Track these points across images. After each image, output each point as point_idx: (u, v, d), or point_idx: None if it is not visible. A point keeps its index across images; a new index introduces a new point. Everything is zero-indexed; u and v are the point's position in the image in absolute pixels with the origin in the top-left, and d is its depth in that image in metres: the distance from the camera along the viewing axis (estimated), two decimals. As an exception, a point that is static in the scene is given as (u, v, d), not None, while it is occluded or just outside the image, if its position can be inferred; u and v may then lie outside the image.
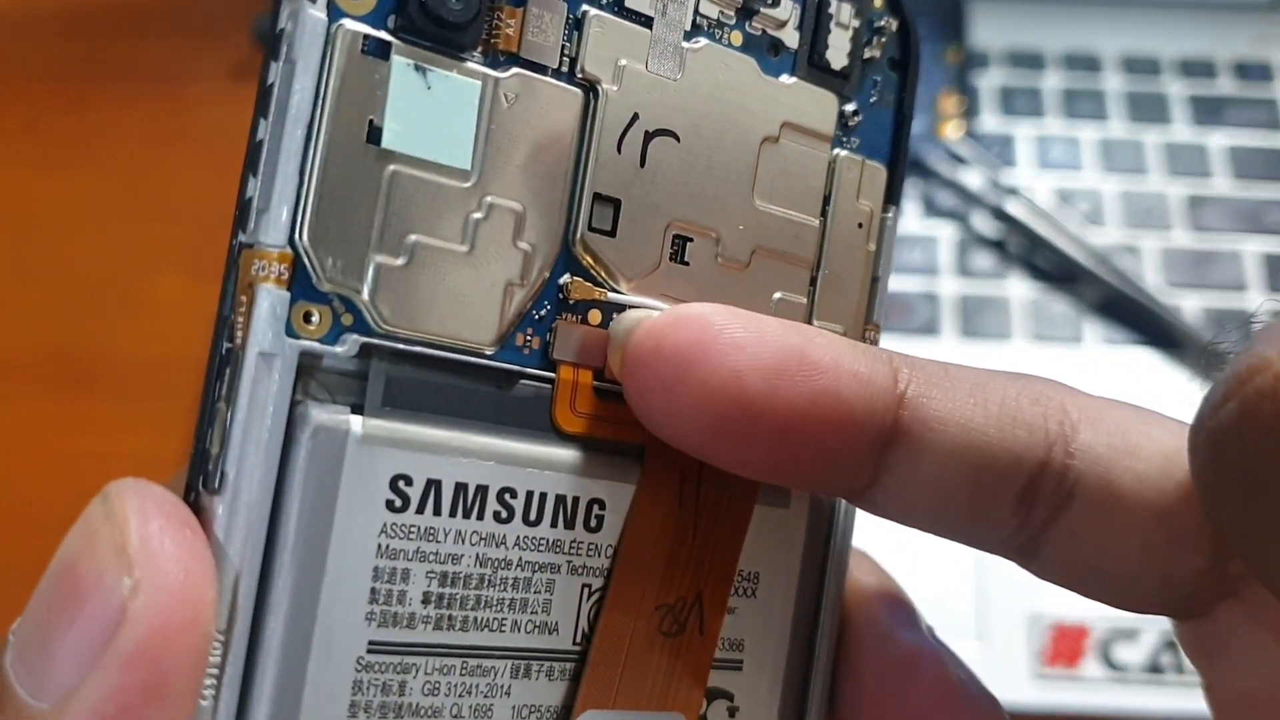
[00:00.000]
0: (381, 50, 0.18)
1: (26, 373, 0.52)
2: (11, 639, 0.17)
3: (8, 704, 0.17)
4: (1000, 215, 0.64)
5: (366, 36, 0.18)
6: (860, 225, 0.23)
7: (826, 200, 0.23)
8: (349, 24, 0.18)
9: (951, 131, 0.68)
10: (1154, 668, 0.49)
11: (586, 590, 0.20)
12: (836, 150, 0.23)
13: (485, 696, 0.19)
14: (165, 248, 0.52)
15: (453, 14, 0.19)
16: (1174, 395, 0.27)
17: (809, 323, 0.22)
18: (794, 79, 0.22)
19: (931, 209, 0.66)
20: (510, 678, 0.19)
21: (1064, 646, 0.50)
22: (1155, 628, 0.49)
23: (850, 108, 0.23)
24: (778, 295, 0.22)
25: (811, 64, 0.23)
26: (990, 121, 0.69)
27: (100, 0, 0.64)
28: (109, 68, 0.61)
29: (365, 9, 0.18)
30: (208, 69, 0.59)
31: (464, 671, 0.19)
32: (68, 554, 0.17)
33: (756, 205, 0.22)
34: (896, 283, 0.63)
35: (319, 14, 0.18)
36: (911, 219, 0.66)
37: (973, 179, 0.65)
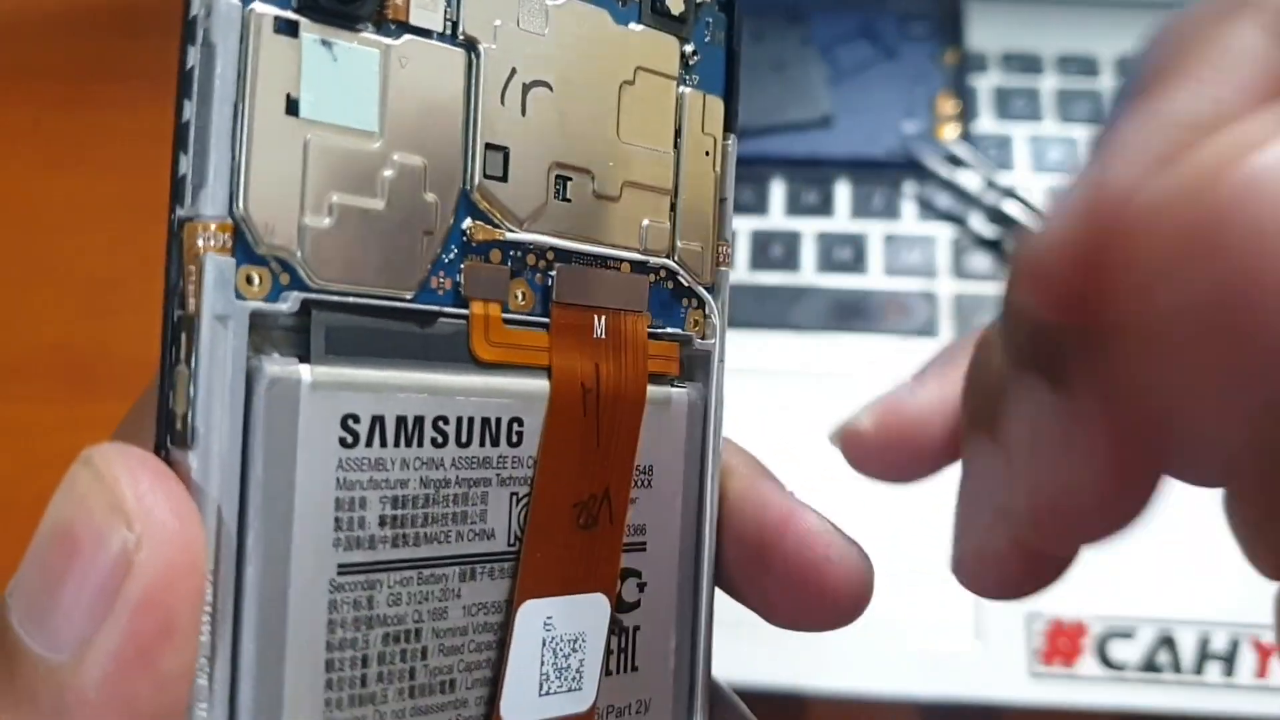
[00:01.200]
0: (291, 29, 0.20)
1: (27, 372, 0.51)
2: (11, 602, 0.19)
3: (22, 660, 0.18)
4: (998, 217, 0.65)
5: (277, 18, 0.20)
6: (707, 153, 0.26)
7: (678, 134, 0.26)
8: (259, 7, 0.20)
9: (948, 133, 0.68)
10: (1150, 666, 0.49)
11: (514, 498, 0.23)
12: (681, 88, 0.26)
13: (439, 600, 0.22)
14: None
15: None
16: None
17: (674, 244, 0.25)
18: (641, 26, 0.25)
19: (929, 210, 0.66)
20: (459, 581, 0.22)
21: (1061, 645, 0.50)
22: (1152, 626, 0.50)
23: (689, 49, 0.26)
24: (645, 222, 0.25)
25: (655, 11, 0.25)
26: (987, 123, 0.69)
27: (102, 1, 0.62)
28: (111, 68, 0.59)
29: None
30: None
31: (420, 581, 0.21)
32: (61, 517, 0.18)
33: (621, 143, 0.24)
34: (894, 283, 0.64)
35: (233, 1, 0.19)
36: (909, 220, 0.66)
37: (970, 180, 0.66)
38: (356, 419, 0.21)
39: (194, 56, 0.20)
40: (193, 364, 0.19)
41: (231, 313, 0.19)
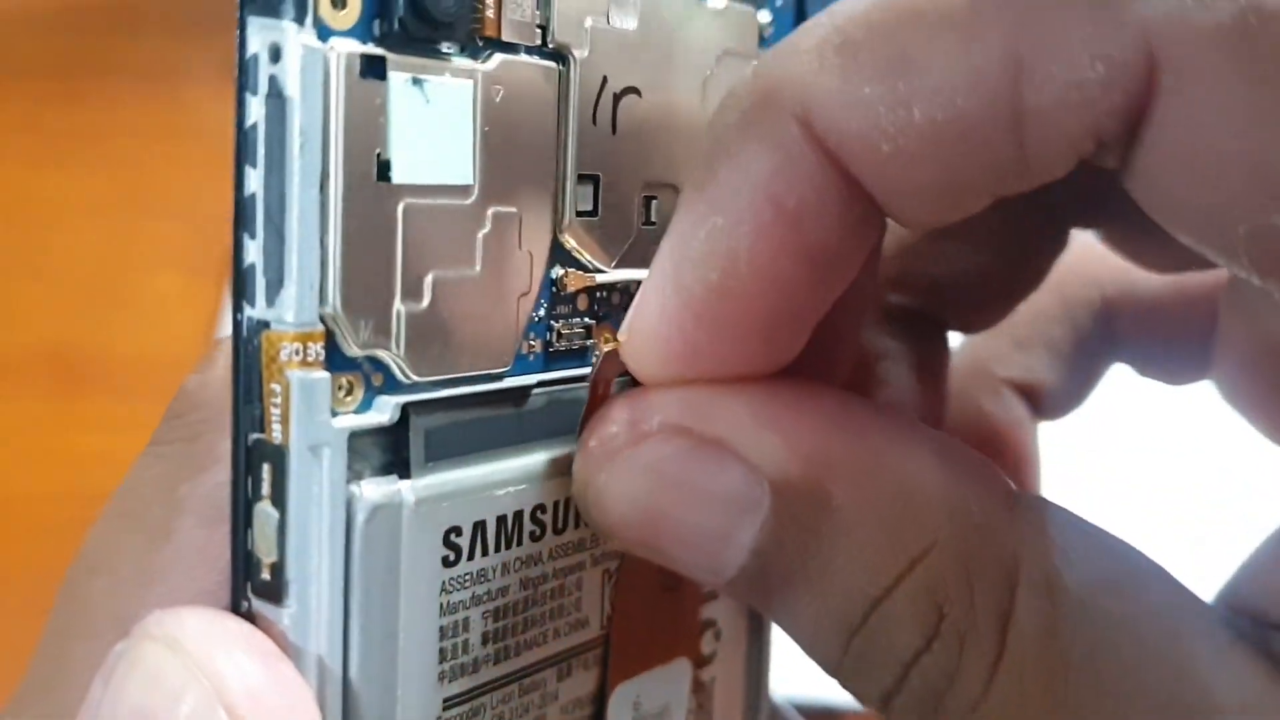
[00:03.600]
0: (378, 69, 0.16)
1: (21, 371, 0.49)
2: None
3: None
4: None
5: (363, 56, 0.15)
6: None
7: None
8: (339, 44, 0.15)
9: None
10: None
11: (606, 576, 0.20)
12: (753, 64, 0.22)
13: (539, 708, 0.19)
14: (161, 246, 0.49)
15: (447, 13, 0.16)
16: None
17: None
18: (723, 1, 0.21)
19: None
20: (556, 682, 0.20)
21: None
22: None
23: (765, 18, 0.22)
24: None
25: None
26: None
27: (94, -3, 0.58)
28: (104, 65, 0.56)
29: (350, 20, 0.15)
30: (204, 67, 0.55)
31: (521, 692, 0.19)
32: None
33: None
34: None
35: (311, 40, 0.15)
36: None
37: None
38: (459, 531, 0.17)
39: (256, 110, 0.15)
40: (284, 505, 0.15)
41: (328, 440, 0.16)
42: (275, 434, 0.15)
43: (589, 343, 0.19)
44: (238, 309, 0.16)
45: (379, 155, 0.16)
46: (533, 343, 0.19)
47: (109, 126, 0.55)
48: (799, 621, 0.18)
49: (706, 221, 0.17)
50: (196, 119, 0.55)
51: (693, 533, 0.18)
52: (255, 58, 0.15)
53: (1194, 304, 0.26)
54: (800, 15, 0.23)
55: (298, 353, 0.15)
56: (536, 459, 0.19)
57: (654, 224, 0.20)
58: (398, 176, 0.16)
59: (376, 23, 0.16)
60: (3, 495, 0.45)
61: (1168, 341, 0.27)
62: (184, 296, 0.49)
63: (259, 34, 0.15)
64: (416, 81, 0.16)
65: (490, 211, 0.17)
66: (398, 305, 0.16)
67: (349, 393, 0.16)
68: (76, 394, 0.48)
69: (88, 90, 0.56)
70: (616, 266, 0.20)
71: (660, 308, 0.17)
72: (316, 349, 0.15)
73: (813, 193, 0.16)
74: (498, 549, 0.18)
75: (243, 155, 0.15)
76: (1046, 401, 0.27)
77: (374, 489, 0.16)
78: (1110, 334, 0.27)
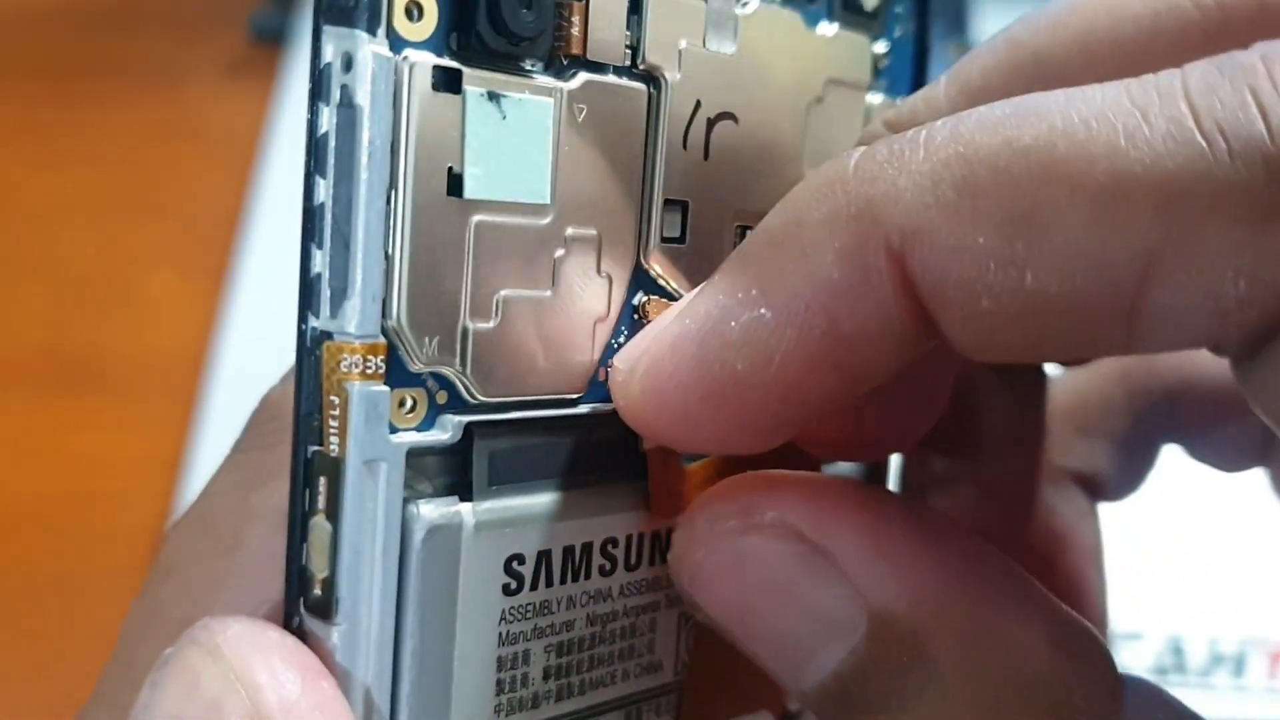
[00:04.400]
0: (452, 83, 0.15)
1: (18, 371, 0.49)
2: None
3: None
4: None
5: (436, 68, 0.15)
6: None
7: None
8: (414, 55, 0.15)
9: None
10: (1159, 669, 0.49)
11: (684, 620, 0.19)
12: (870, 96, 0.21)
13: None
14: (159, 245, 0.49)
15: (526, 27, 0.16)
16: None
17: None
18: (834, 27, 0.20)
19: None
20: None
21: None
22: (1159, 631, 0.49)
23: (880, 49, 0.21)
24: None
25: (846, 7, 0.21)
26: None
27: (91, -4, 0.60)
28: (103, 64, 0.57)
29: (426, 33, 0.15)
30: (203, 66, 0.56)
31: None
32: None
33: (808, 173, 0.20)
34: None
35: (383, 50, 0.15)
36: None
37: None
38: (521, 559, 0.17)
39: (328, 120, 0.15)
40: (338, 519, 0.15)
41: (385, 455, 0.15)
42: (333, 447, 0.15)
43: None
44: (302, 319, 0.15)
45: (450, 170, 0.16)
46: (611, 370, 0.18)
47: (107, 126, 0.54)
48: None
49: (752, 309, 0.16)
50: (195, 119, 0.54)
51: (779, 637, 0.17)
52: (329, 67, 0.15)
53: None
54: (921, 49, 0.22)
55: (358, 365, 0.15)
56: (609, 490, 0.18)
57: (748, 255, 0.19)
58: (470, 192, 0.16)
59: (454, 36, 0.16)
60: (1, 496, 0.45)
61: (1224, 430, 0.26)
62: (182, 296, 0.48)
63: (333, 43, 0.15)
64: (493, 97, 0.16)
65: (567, 232, 0.17)
66: (465, 322, 0.16)
67: (411, 409, 0.16)
68: (73, 394, 0.48)
69: (86, 90, 0.56)
70: None
71: (672, 368, 0.16)
72: (378, 362, 0.15)
73: (876, 324, 0.15)
74: (563, 581, 0.18)
75: (313, 165, 0.15)
76: (1105, 488, 0.26)
77: (432, 509, 0.16)
78: (1170, 422, 0.26)
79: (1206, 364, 0.25)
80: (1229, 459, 0.26)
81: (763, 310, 0.15)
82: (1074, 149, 0.14)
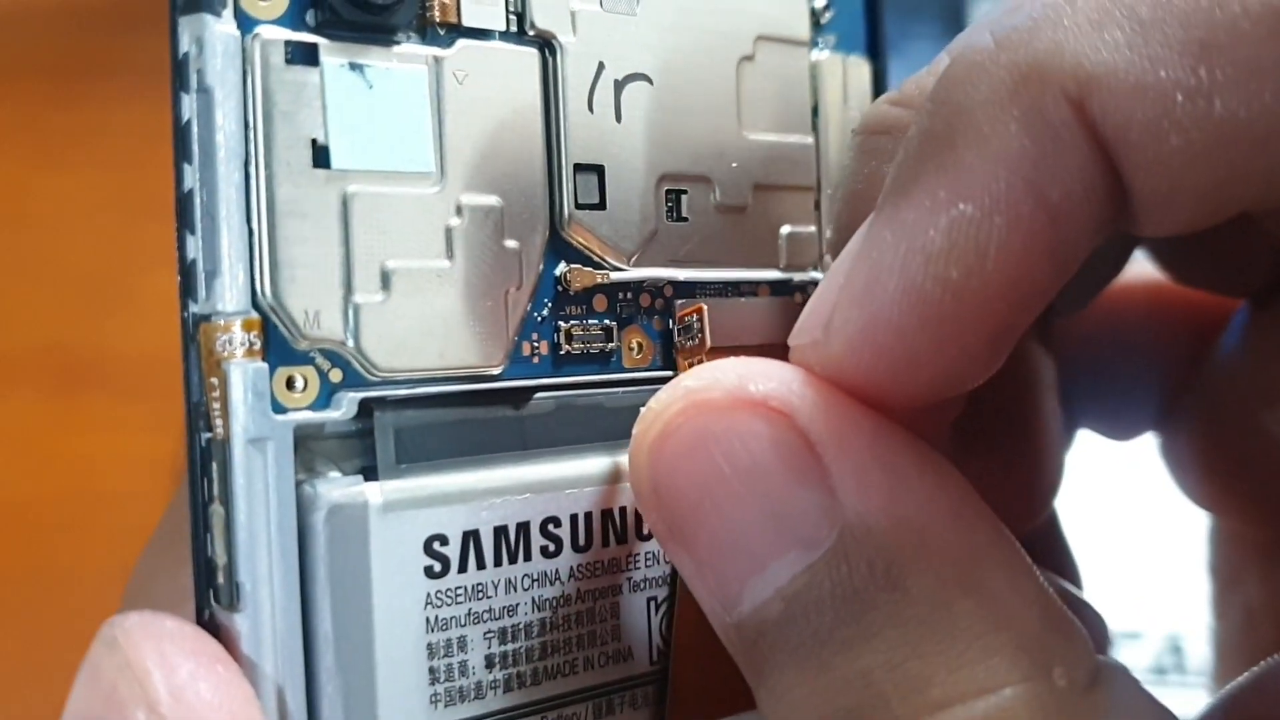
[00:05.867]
0: (308, 55, 0.15)
1: (21, 371, 0.50)
2: None
3: None
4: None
5: (288, 43, 0.15)
6: (854, 131, 0.21)
7: (815, 112, 0.20)
8: (265, 31, 0.15)
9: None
10: (1158, 669, 0.48)
11: (653, 604, 0.18)
12: (815, 53, 0.20)
13: None
14: (160, 245, 0.51)
15: None
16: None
17: (823, 251, 0.20)
18: None
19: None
20: (594, 718, 0.18)
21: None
22: (1159, 630, 0.48)
23: (820, 2, 0.21)
24: (785, 230, 0.20)
25: None
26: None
27: (94, -4, 0.62)
28: (104, 64, 0.58)
29: (278, 10, 0.15)
30: None
31: None
32: (84, 715, 0.15)
33: (746, 137, 0.19)
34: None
35: (228, 28, 0.15)
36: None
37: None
38: (444, 540, 0.16)
39: (189, 107, 0.15)
40: (229, 503, 0.15)
41: (270, 433, 0.15)
42: (219, 430, 0.15)
43: (611, 346, 0.18)
44: (184, 307, 0.15)
45: (315, 141, 0.15)
46: (536, 344, 0.17)
47: (109, 126, 0.54)
48: (780, 704, 0.15)
49: (949, 209, 0.14)
50: (196, 119, 0.56)
51: (731, 538, 0.15)
52: (186, 55, 0.15)
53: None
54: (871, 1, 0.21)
55: (234, 343, 0.15)
56: (544, 468, 0.17)
57: (685, 219, 0.19)
58: (338, 163, 0.16)
59: (312, 12, 0.16)
60: (3, 496, 0.45)
61: (1119, 398, 0.25)
62: (182, 297, 0.49)
63: (186, 31, 0.15)
64: (355, 67, 0.16)
65: (461, 200, 0.17)
66: (350, 295, 0.16)
67: (301, 388, 0.16)
68: (75, 394, 0.48)
69: (87, 90, 0.57)
70: (636, 264, 0.18)
71: (876, 305, 0.15)
72: (251, 338, 0.15)
73: (1080, 186, 0.14)
74: (498, 563, 0.17)
75: (179, 153, 0.15)
76: None
77: (332, 488, 0.16)
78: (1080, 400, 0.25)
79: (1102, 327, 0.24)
80: (1122, 428, 0.25)
81: (961, 206, 0.14)
82: None
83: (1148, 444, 0.25)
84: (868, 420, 0.15)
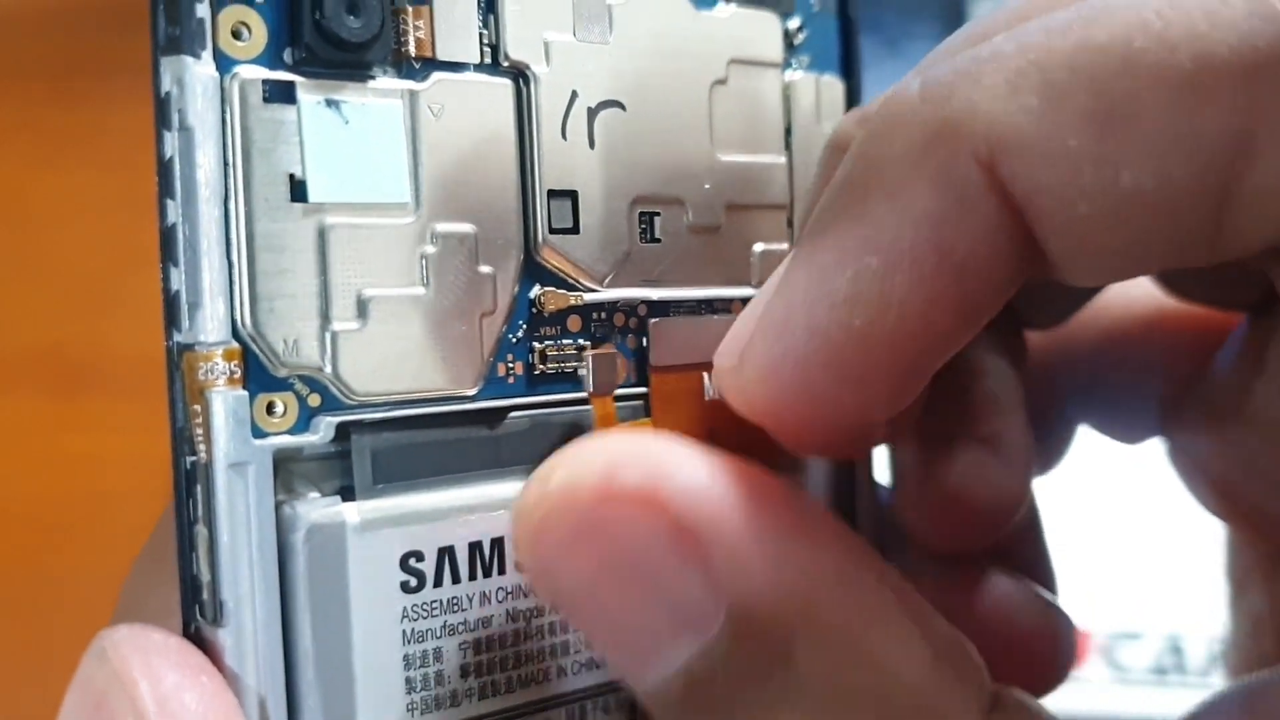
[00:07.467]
0: (285, 94, 0.16)
1: (19, 371, 0.50)
2: None
3: None
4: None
5: (265, 81, 0.16)
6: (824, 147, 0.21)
7: (788, 132, 0.21)
8: (244, 71, 0.16)
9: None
10: (1158, 669, 0.49)
11: None
12: (788, 74, 0.21)
13: None
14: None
15: (354, 34, 0.16)
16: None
17: None
18: (730, 6, 0.20)
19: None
20: None
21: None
22: (1158, 631, 0.49)
23: (793, 23, 0.21)
24: (758, 248, 0.20)
25: None
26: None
27: (90, -3, 0.62)
28: (103, 64, 0.57)
29: (256, 50, 0.16)
30: None
31: None
32: None
33: (719, 159, 0.20)
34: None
35: (208, 70, 0.16)
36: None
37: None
38: (419, 556, 0.17)
39: (171, 144, 0.16)
40: (212, 524, 0.16)
41: (250, 457, 0.16)
42: (202, 454, 0.16)
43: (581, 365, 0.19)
44: (168, 337, 0.16)
45: (292, 176, 0.16)
46: (511, 365, 0.18)
47: (107, 126, 0.53)
48: None
49: (857, 261, 0.15)
50: (196, 119, 0.56)
51: (624, 625, 0.15)
52: (168, 95, 0.16)
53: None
54: (845, 19, 0.22)
55: (213, 371, 0.16)
56: (518, 485, 0.18)
57: (658, 240, 0.19)
58: (315, 196, 0.16)
59: (289, 50, 0.16)
60: (2, 495, 0.45)
61: (1126, 400, 0.25)
62: (182, 296, 0.49)
63: (168, 72, 0.16)
64: (331, 103, 0.16)
65: (436, 228, 0.17)
66: (327, 323, 0.16)
67: (281, 413, 0.16)
68: (74, 394, 0.48)
69: (86, 89, 0.56)
70: (610, 285, 0.19)
71: (785, 344, 0.16)
72: (232, 367, 0.16)
73: (985, 245, 0.15)
74: (473, 577, 0.17)
75: (163, 188, 0.16)
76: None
77: (312, 509, 0.16)
78: (1084, 398, 0.25)
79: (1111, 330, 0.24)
80: (1130, 432, 0.25)
81: (869, 259, 0.15)
82: (1152, 40, 0.13)
83: (1148, 445, 0.26)
84: (746, 490, 0.15)
